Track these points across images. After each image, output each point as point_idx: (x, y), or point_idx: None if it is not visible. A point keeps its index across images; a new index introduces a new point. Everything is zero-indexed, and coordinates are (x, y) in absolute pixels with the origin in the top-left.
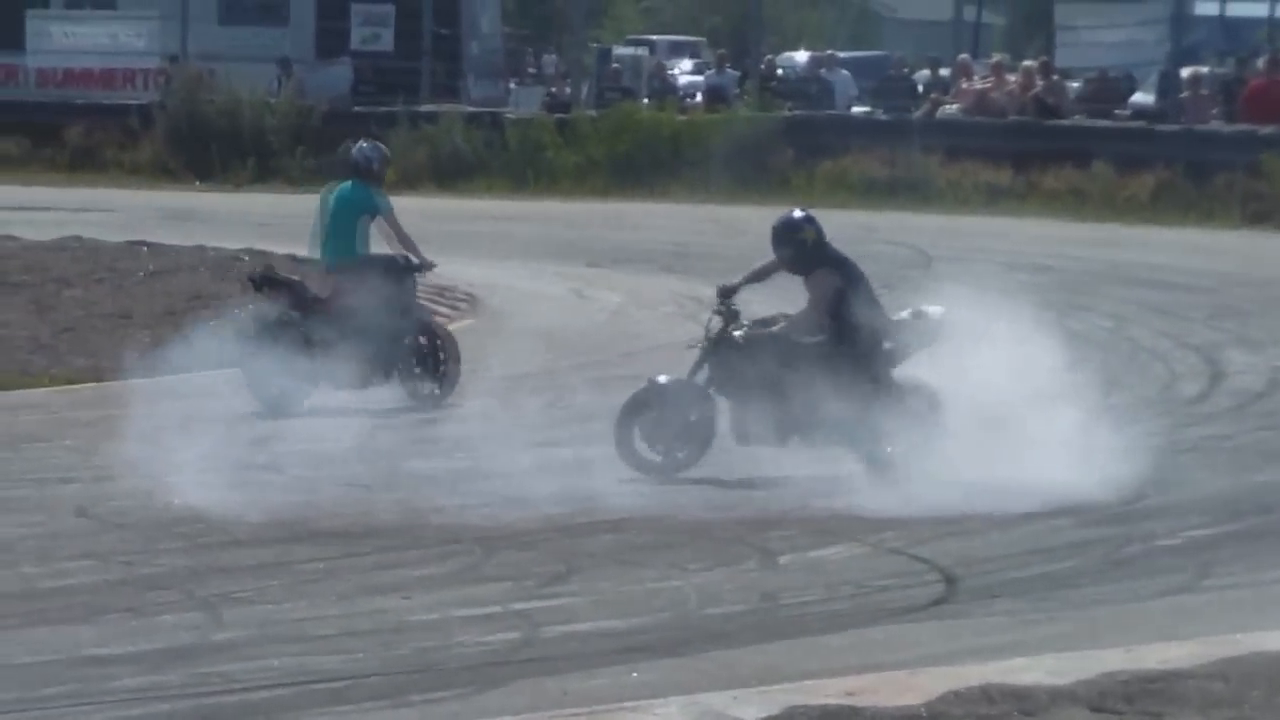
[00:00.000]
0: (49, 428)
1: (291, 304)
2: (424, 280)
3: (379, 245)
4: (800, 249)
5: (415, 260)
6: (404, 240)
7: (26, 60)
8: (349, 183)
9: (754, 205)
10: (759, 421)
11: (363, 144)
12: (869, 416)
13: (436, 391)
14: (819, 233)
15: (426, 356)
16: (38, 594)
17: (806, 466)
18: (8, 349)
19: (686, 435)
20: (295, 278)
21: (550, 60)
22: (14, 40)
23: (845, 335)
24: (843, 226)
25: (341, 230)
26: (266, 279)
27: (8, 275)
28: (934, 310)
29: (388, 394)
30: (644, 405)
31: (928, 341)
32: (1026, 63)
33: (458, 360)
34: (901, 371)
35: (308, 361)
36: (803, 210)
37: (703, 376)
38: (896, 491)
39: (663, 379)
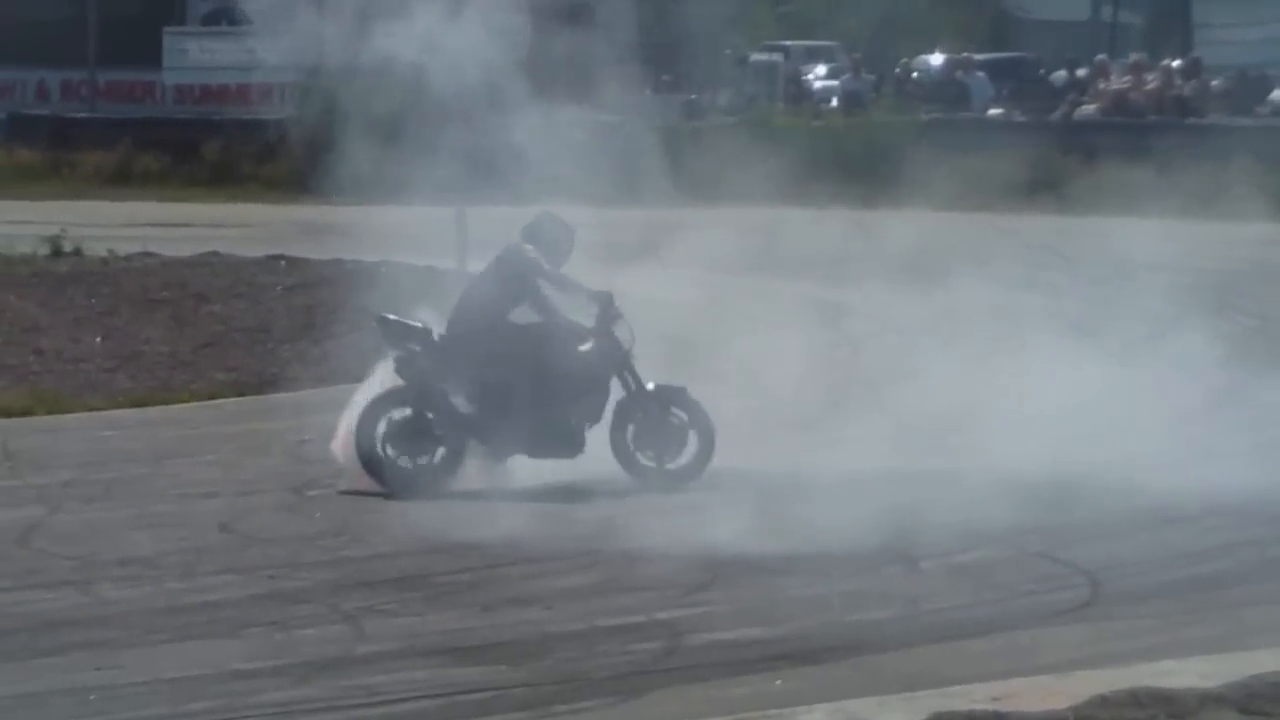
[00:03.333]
0: (191, 443)
1: None
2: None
3: None
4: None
5: None
6: None
7: (164, 77)
8: None
9: (890, 209)
10: None
11: None
12: None
13: None
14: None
15: None
16: (183, 609)
17: (941, 469)
18: (149, 365)
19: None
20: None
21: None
22: (152, 58)
23: None
24: (982, 229)
25: None
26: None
27: (148, 291)
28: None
29: None
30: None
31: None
32: (1166, 62)
33: None
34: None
35: None
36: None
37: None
38: (1038, 495)
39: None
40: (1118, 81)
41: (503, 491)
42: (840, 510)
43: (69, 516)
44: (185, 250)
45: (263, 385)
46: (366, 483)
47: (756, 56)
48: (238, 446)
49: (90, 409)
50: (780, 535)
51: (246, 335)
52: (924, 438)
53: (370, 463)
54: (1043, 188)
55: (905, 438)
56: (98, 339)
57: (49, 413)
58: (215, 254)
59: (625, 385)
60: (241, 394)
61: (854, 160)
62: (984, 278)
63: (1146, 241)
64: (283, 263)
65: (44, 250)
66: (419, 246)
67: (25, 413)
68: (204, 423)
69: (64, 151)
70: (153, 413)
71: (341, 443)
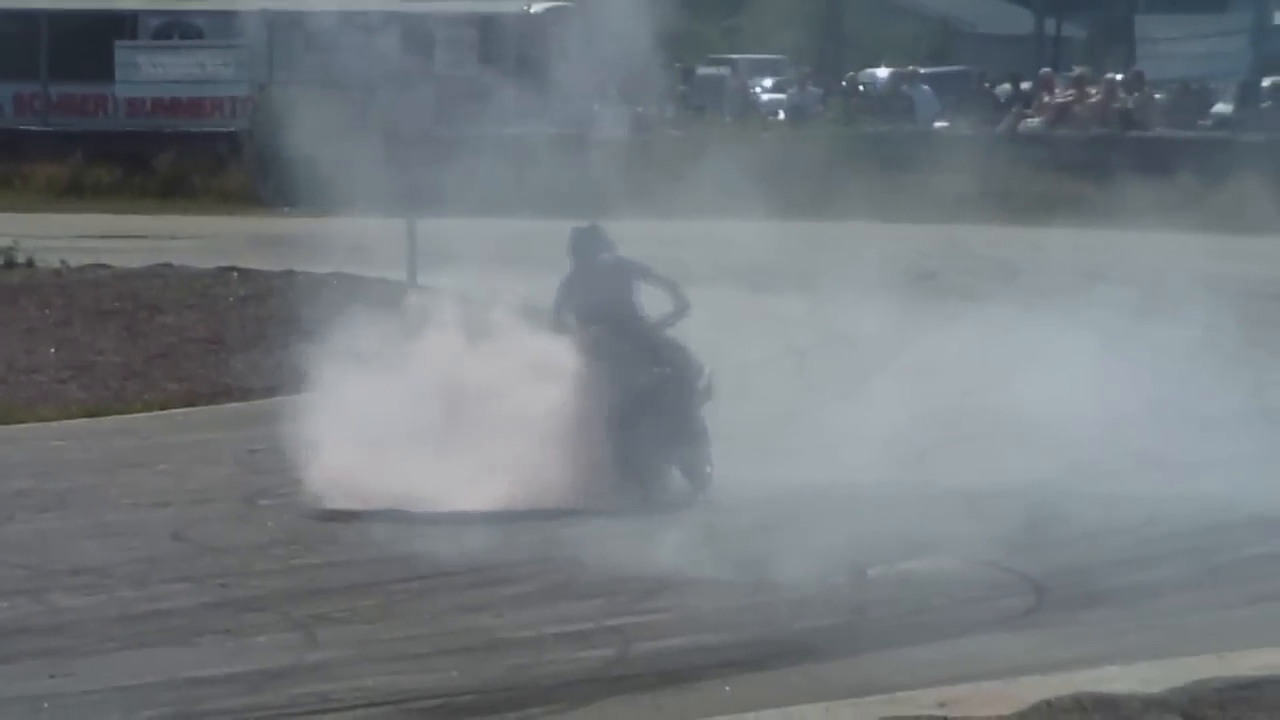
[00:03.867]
0: (143, 453)
1: None
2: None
3: None
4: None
5: None
6: None
7: (116, 90)
8: None
9: (837, 221)
10: None
11: None
12: None
13: None
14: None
15: None
16: (135, 617)
17: (888, 479)
18: (102, 375)
19: None
20: None
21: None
22: (103, 71)
23: None
24: (928, 241)
25: None
26: None
27: (100, 303)
28: None
29: None
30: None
31: None
32: (1109, 75)
33: None
34: None
35: None
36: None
37: None
38: (984, 504)
39: None
40: (1062, 95)
41: (455, 502)
42: (788, 519)
43: (21, 526)
44: (138, 262)
45: (215, 395)
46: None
47: (704, 70)
48: (190, 456)
49: (43, 419)
50: (729, 543)
51: (199, 346)
52: (874, 448)
53: (642, 474)
54: (989, 199)
55: (855, 449)
56: (51, 350)
57: (1, 423)
58: (168, 266)
59: None
60: (194, 404)
61: (802, 172)
62: (934, 289)
63: (1091, 252)
64: (235, 274)
65: None
66: (370, 258)
67: None
68: (156, 433)
69: (16, 164)
70: (105, 423)
71: (338, 464)
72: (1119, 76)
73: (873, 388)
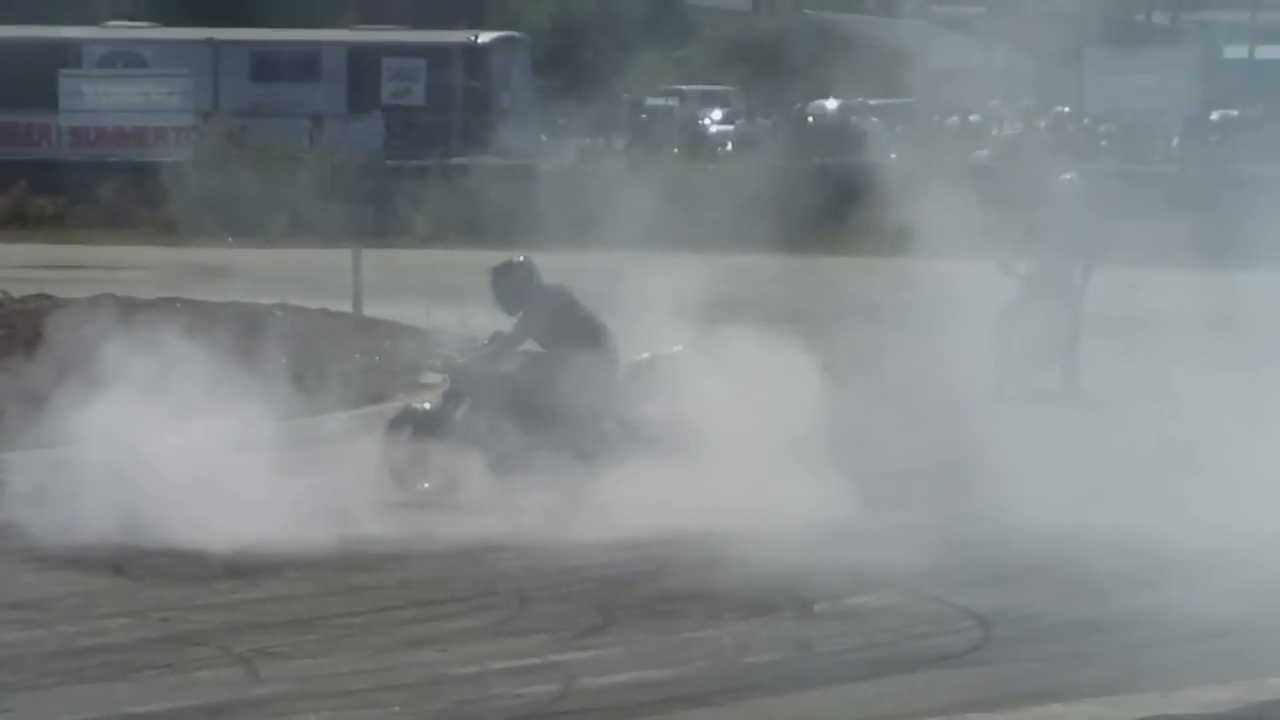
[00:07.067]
0: None
1: None
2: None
3: None
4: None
5: None
6: None
7: (60, 119)
8: None
9: (783, 255)
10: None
11: None
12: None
13: None
14: (529, 275)
15: None
16: (76, 652)
17: (838, 514)
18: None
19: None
20: None
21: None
22: (47, 100)
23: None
24: (878, 273)
25: None
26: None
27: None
28: (673, 350)
29: None
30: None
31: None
32: (1058, 108)
33: None
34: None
35: None
36: (520, 255)
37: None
38: (925, 539)
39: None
40: (1010, 127)
41: (398, 533)
42: (734, 553)
43: None
44: (80, 293)
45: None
46: None
47: (652, 101)
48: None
49: None
50: (673, 577)
51: None
52: (817, 483)
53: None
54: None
55: (803, 483)
56: None
57: None
58: (111, 296)
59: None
60: None
61: (751, 205)
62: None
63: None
64: (178, 305)
65: None
66: (314, 289)
67: None
68: None
69: None
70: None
71: None
72: (1067, 109)
73: (816, 419)
